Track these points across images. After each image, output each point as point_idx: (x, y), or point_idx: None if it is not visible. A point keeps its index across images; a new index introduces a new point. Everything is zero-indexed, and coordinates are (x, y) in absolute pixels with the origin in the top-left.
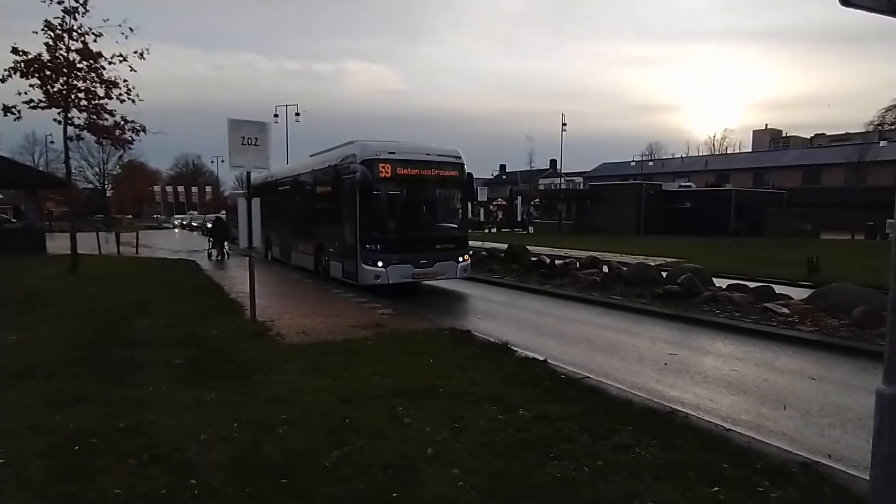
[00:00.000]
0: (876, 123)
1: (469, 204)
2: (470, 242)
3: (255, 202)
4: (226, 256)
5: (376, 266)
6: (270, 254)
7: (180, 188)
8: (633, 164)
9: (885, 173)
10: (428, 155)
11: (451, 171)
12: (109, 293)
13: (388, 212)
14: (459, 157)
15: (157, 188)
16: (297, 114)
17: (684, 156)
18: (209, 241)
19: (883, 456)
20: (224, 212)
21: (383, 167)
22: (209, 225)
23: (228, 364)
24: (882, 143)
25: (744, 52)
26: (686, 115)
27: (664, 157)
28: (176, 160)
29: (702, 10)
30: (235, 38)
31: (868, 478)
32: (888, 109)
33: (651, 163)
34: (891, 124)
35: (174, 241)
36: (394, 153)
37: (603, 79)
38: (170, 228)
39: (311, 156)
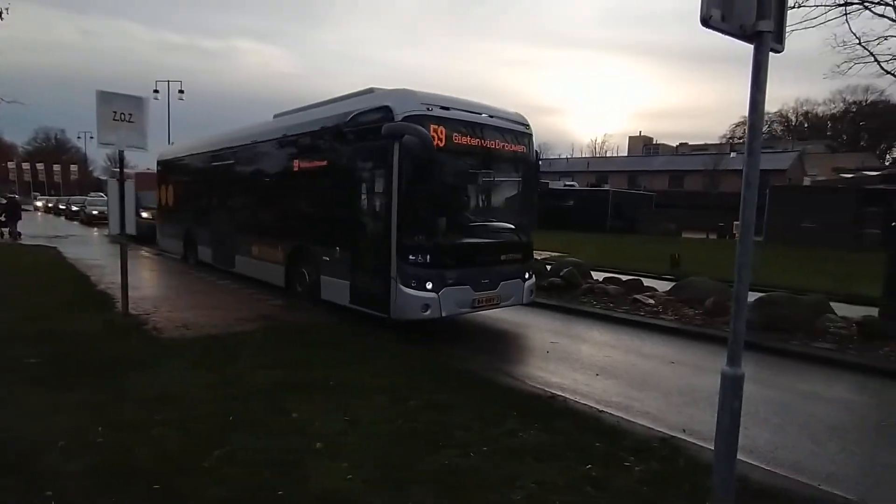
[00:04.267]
0: (728, 137)
1: (537, 195)
2: None
3: (129, 184)
4: (17, 237)
5: (424, 289)
6: (195, 255)
7: (40, 166)
8: None
9: (734, 181)
10: (491, 117)
11: (517, 144)
12: None
13: (442, 202)
14: (528, 126)
15: (11, 164)
16: (181, 91)
17: (569, 157)
18: None
19: (725, 430)
20: (100, 193)
21: (436, 130)
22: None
23: (95, 362)
24: (732, 155)
25: (624, 63)
26: (572, 118)
27: (551, 157)
28: (35, 133)
29: (587, 20)
30: (108, 2)
31: (713, 448)
32: (737, 125)
33: (539, 162)
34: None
35: (35, 226)
36: (448, 109)
37: (496, 77)
38: (29, 210)
39: (275, 116)
